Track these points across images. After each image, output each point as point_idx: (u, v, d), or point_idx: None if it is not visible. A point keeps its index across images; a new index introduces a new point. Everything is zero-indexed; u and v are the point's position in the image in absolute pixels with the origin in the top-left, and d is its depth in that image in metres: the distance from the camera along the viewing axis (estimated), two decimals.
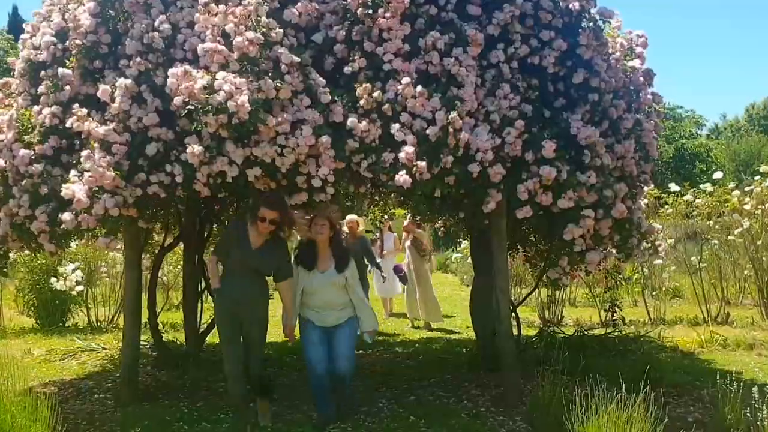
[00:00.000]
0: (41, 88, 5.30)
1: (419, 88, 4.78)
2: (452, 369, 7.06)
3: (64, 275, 10.24)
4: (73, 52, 5.14)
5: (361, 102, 4.78)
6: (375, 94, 4.79)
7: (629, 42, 6.16)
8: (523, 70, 5.31)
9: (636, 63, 6.10)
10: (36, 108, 5.30)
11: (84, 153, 4.78)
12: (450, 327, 10.37)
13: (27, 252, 6.83)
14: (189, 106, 4.42)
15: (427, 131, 4.74)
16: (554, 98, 5.47)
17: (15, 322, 10.80)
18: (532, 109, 5.22)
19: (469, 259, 9.85)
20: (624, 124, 5.58)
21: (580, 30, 5.39)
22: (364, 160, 4.81)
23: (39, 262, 10.64)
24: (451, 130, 4.72)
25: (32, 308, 10.93)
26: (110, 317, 11.03)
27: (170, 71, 4.50)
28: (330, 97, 4.75)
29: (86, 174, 4.70)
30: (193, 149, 4.55)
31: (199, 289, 7.71)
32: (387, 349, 8.47)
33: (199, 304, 7.77)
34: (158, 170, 4.86)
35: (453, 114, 4.73)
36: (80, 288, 10.31)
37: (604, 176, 5.31)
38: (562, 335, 7.98)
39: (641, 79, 6.08)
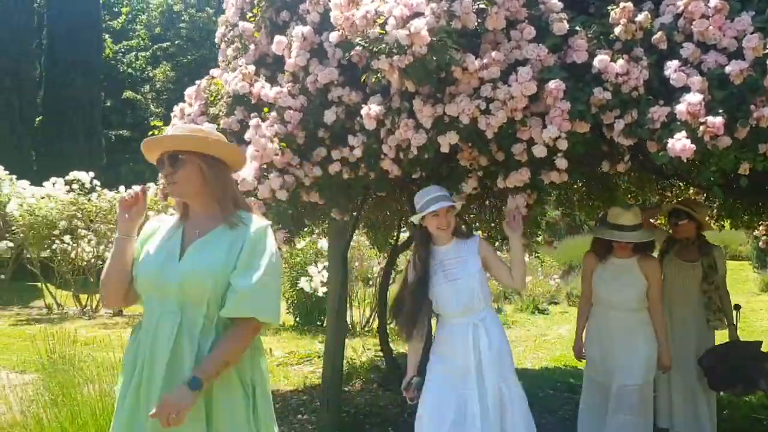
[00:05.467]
0: (229, 51, 4.52)
1: (715, 0, 2.96)
2: None
3: (312, 276, 9.84)
4: (256, 1, 4.24)
5: (617, 30, 3.10)
6: (640, 17, 3.07)
7: None
8: None
9: None
10: (225, 75, 4.52)
11: (252, 122, 3.82)
12: None
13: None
14: (357, 46, 3.17)
15: (727, 69, 2.89)
16: None
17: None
18: None
19: None
20: None
21: None
22: (620, 119, 3.08)
23: (297, 259, 10.44)
24: None
25: (291, 306, 10.78)
26: (365, 320, 10.49)
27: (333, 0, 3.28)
28: (567, 26, 3.16)
29: (250, 148, 3.73)
30: (369, 109, 3.31)
31: None
32: None
33: None
34: (342, 143, 3.74)
35: None
36: (324, 289, 9.85)
37: None
38: None
39: None
